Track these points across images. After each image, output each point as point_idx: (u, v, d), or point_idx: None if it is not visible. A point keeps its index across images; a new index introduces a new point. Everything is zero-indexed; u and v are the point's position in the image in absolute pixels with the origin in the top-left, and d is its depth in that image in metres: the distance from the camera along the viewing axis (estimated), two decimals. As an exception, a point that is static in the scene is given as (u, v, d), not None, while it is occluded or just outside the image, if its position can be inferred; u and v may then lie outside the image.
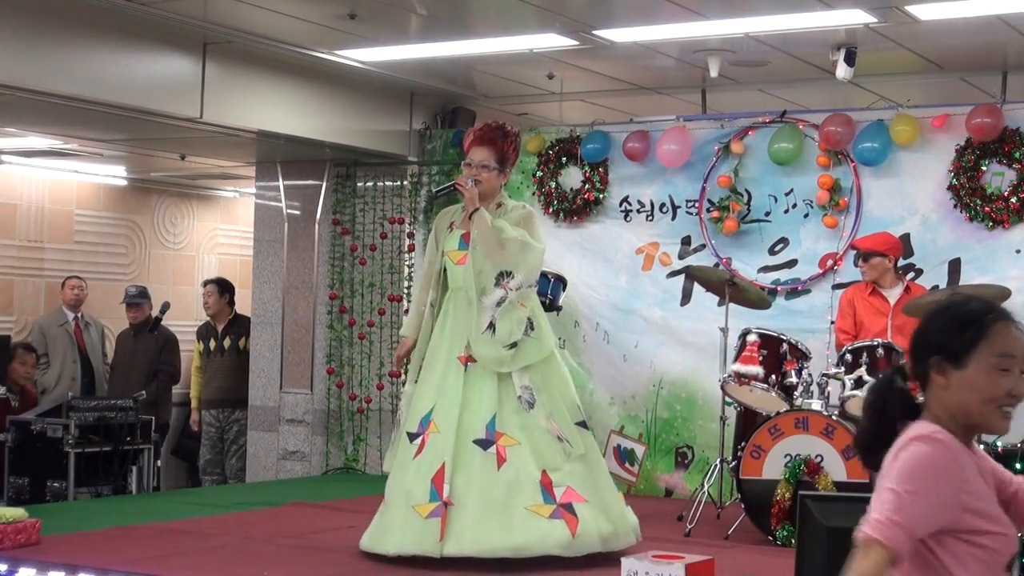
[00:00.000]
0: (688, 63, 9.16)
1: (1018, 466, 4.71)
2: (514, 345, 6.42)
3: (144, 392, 10.06)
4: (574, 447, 6.45)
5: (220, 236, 13.44)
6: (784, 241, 9.14)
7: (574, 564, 6.42)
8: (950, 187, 8.59)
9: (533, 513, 6.23)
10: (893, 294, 8.16)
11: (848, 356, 7.50)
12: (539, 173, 9.92)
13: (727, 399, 7.88)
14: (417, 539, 6.16)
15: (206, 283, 11.47)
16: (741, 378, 7.55)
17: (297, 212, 10.95)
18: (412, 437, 6.42)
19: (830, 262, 8.92)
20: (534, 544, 6.19)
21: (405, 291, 10.32)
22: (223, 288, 11.29)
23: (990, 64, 8.93)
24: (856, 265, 8.39)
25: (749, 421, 7.80)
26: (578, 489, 6.37)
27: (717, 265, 9.17)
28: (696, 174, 9.42)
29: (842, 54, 8.51)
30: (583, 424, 6.67)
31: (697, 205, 9.40)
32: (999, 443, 4.93)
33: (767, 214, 9.22)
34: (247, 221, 12.05)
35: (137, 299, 10.80)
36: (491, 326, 6.41)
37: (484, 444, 6.31)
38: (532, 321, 6.53)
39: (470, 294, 6.48)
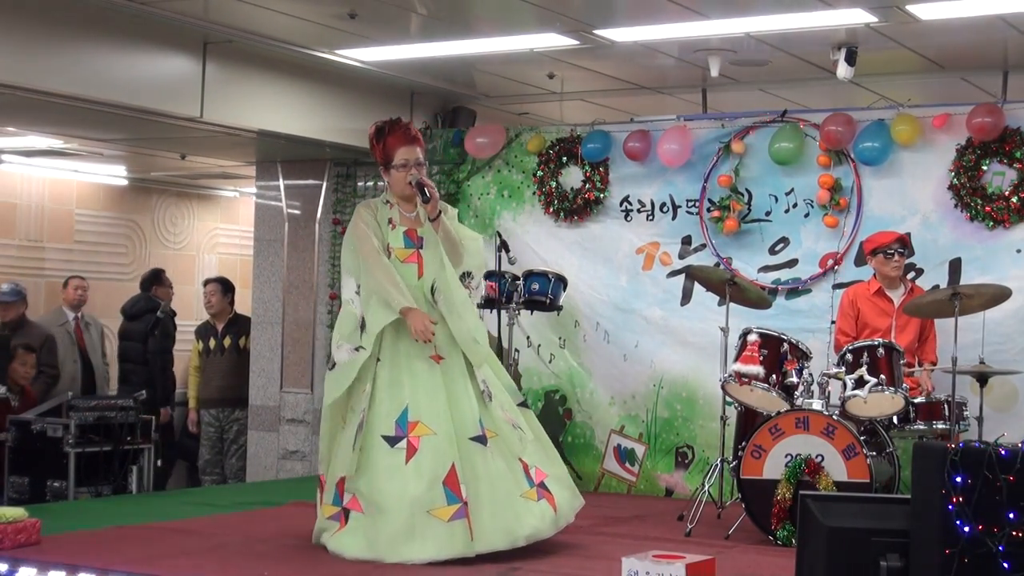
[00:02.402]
0: (689, 62, 9.16)
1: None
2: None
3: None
4: (525, 432, 6.63)
5: (220, 236, 13.45)
6: (785, 241, 9.13)
7: (575, 562, 6.43)
8: (951, 187, 8.58)
9: (528, 499, 6.40)
10: (897, 295, 8.16)
11: (849, 356, 7.50)
12: (539, 173, 9.92)
13: (727, 399, 7.87)
14: (446, 543, 6.19)
15: (208, 282, 11.46)
16: (741, 378, 7.54)
17: (297, 212, 10.95)
18: (392, 441, 6.34)
19: (830, 262, 8.91)
20: (536, 528, 6.38)
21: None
22: (226, 287, 11.31)
23: (991, 63, 8.93)
24: (888, 260, 8.10)
25: (749, 421, 7.80)
26: (541, 466, 6.58)
27: (718, 265, 9.17)
28: (697, 174, 9.41)
29: (843, 53, 8.50)
30: (524, 404, 6.85)
31: (698, 205, 9.40)
32: (999, 443, 4.93)
33: (767, 214, 9.21)
34: (247, 221, 12.07)
35: (9, 297, 10.67)
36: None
37: (481, 440, 6.40)
38: None
39: (439, 285, 6.55)
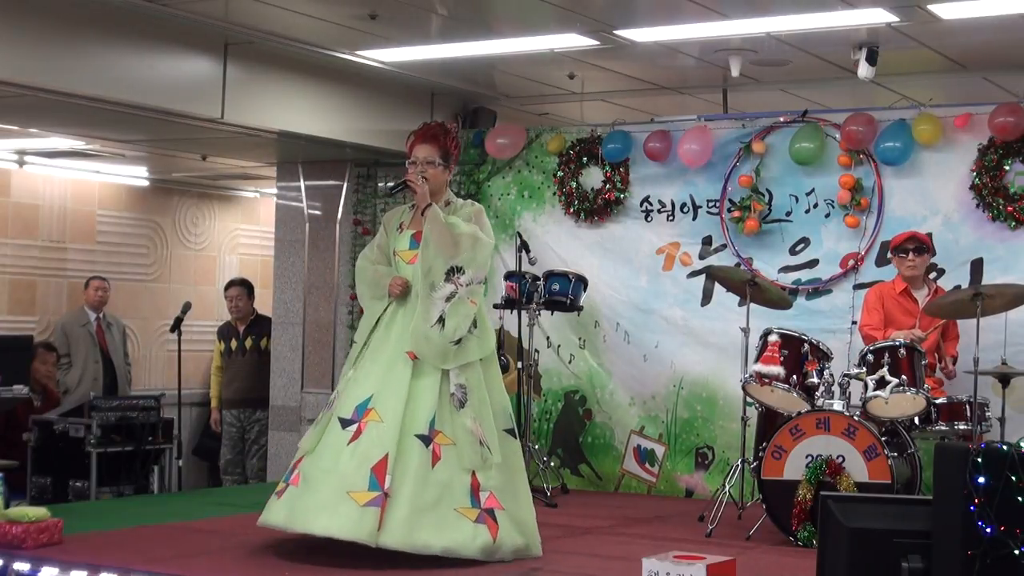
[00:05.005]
0: (709, 63, 9.14)
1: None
2: (459, 341, 6.44)
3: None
4: (492, 454, 6.44)
5: (241, 236, 13.48)
6: (805, 241, 9.12)
7: (595, 562, 6.43)
8: (972, 187, 8.55)
9: (462, 515, 6.26)
10: (922, 296, 8.14)
11: (870, 356, 7.47)
12: (560, 173, 9.92)
13: (748, 399, 7.86)
14: (353, 526, 6.14)
15: (231, 285, 11.45)
16: (762, 378, 7.53)
17: (318, 212, 10.97)
18: (345, 423, 6.39)
19: (851, 262, 8.89)
20: (462, 546, 6.21)
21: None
22: (250, 290, 11.35)
23: (1013, 63, 8.89)
24: (903, 259, 8.14)
25: (770, 421, 7.78)
26: (498, 497, 6.38)
27: (738, 265, 9.15)
28: (717, 174, 9.40)
29: (864, 53, 8.48)
30: (511, 432, 6.65)
31: (718, 205, 9.38)
32: (1022, 444, 4.90)
33: (788, 214, 9.19)
34: (268, 221, 12.09)
35: None
36: (440, 320, 6.42)
37: (425, 440, 6.31)
38: (476, 318, 6.54)
39: (418, 289, 6.50)
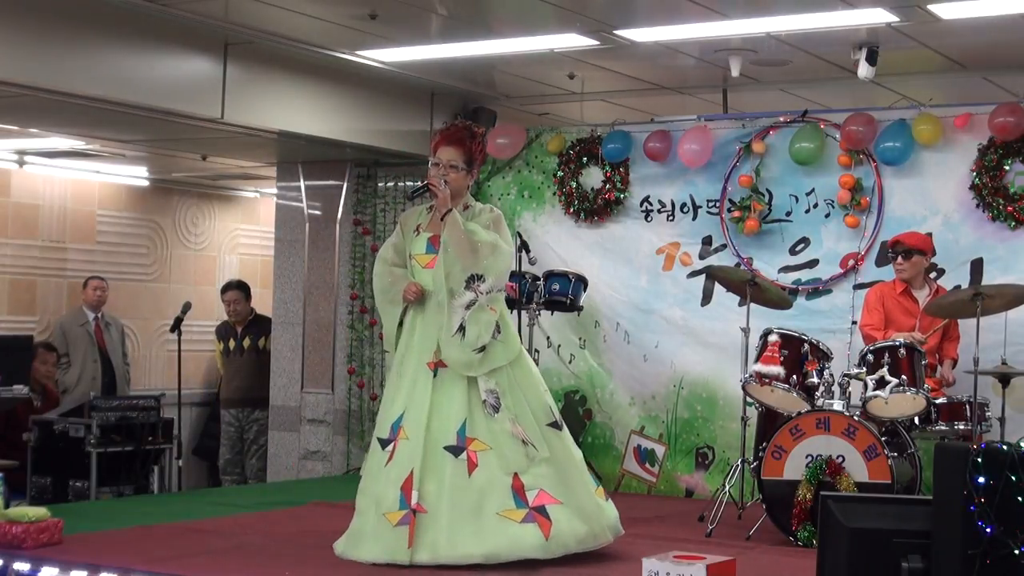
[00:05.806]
0: (709, 63, 9.14)
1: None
2: (482, 349, 6.36)
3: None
4: (539, 450, 6.37)
5: (241, 236, 13.47)
6: (805, 241, 9.12)
7: (595, 562, 6.43)
8: (972, 187, 8.56)
9: (505, 518, 6.19)
10: (922, 295, 8.13)
11: (870, 356, 7.47)
12: (560, 173, 9.92)
13: (748, 399, 7.86)
14: (389, 547, 6.15)
15: (227, 289, 11.45)
16: (762, 378, 7.53)
17: (318, 212, 10.97)
18: (384, 443, 6.39)
19: (851, 262, 8.89)
20: (506, 549, 6.15)
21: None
22: (248, 293, 11.36)
23: (1013, 63, 8.89)
24: (893, 262, 8.21)
25: (770, 421, 7.78)
26: (550, 491, 6.31)
27: (738, 265, 9.15)
28: (717, 174, 9.40)
29: (864, 53, 8.48)
30: (555, 425, 6.57)
31: (718, 205, 9.38)
32: (1022, 444, 4.89)
33: (788, 214, 9.19)
34: (268, 221, 12.09)
35: None
36: (461, 328, 6.34)
37: (455, 451, 6.25)
38: (499, 324, 6.46)
39: (440, 297, 6.42)
